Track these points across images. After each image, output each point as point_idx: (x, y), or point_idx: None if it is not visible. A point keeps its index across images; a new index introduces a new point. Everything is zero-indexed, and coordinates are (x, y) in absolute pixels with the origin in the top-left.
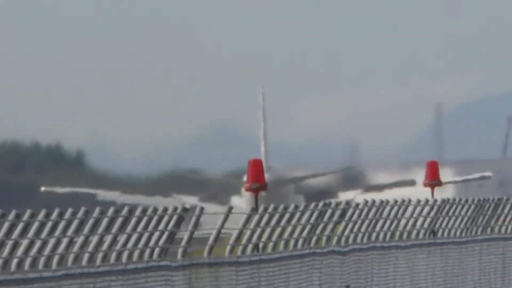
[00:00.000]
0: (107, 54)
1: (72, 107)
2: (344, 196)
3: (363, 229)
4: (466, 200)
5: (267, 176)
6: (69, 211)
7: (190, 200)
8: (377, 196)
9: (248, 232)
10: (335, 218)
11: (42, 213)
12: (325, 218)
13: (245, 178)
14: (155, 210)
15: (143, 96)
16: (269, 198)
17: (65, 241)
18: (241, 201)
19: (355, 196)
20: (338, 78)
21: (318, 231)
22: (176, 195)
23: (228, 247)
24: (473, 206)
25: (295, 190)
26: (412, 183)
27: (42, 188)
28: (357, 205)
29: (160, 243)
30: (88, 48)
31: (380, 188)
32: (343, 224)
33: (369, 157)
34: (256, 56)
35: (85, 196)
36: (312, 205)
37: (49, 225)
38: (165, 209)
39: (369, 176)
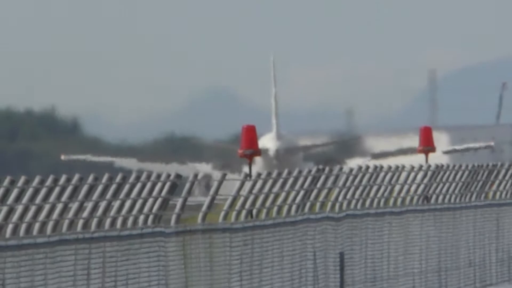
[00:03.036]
0: (105, 18)
1: (66, 73)
2: (352, 163)
3: (357, 195)
4: (460, 166)
5: (279, 144)
6: (63, 178)
7: (204, 168)
8: (385, 163)
9: (241, 199)
10: (329, 184)
11: (37, 179)
12: (319, 184)
13: (259, 144)
14: (148, 176)
15: (140, 62)
16: (280, 165)
17: (59, 207)
18: (255, 168)
19: (363, 163)
20: (332, 46)
21: (311, 197)
22: (191, 163)
23: (222, 214)
24: (467, 172)
25: (304, 157)
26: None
27: (62, 156)
28: (351, 171)
29: (154, 209)
30: (83, 13)
31: (386, 155)
32: (336, 190)
33: (364, 124)
34: (252, 25)
35: (102, 163)
36: (305, 171)
37: (43, 191)
38: (159, 176)
39: (364, 143)
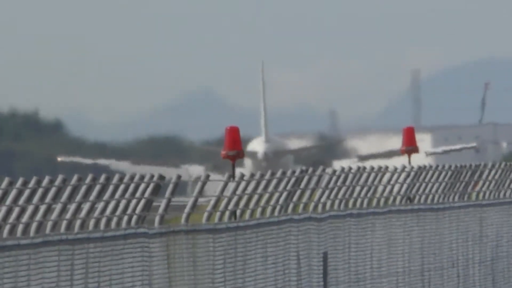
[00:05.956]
0: (87, 19)
1: (50, 74)
2: (339, 165)
3: (340, 196)
4: (443, 167)
5: (267, 146)
6: (46, 179)
7: (196, 170)
8: (368, 165)
9: (225, 200)
10: (312, 185)
11: (20, 181)
12: (302, 185)
13: (248, 147)
14: (132, 177)
15: (125, 61)
16: (269, 168)
17: (43, 208)
18: (244, 170)
19: (349, 165)
20: (314, 47)
21: (295, 198)
22: (184, 165)
23: (205, 215)
24: (450, 173)
25: (294, 160)
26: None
27: (59, 158)
28: (334, 172)
29: (138, 210)
30: (66, 14)
31: (372, 157)
32: (319, 191)
33: (348, 125)
34: (236, 27)
35: (98, 166)
36: (289, 172)
37: (27, 192)
38: (142, 177)
39: (348, 144)
